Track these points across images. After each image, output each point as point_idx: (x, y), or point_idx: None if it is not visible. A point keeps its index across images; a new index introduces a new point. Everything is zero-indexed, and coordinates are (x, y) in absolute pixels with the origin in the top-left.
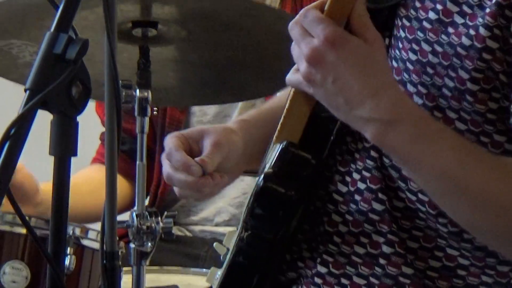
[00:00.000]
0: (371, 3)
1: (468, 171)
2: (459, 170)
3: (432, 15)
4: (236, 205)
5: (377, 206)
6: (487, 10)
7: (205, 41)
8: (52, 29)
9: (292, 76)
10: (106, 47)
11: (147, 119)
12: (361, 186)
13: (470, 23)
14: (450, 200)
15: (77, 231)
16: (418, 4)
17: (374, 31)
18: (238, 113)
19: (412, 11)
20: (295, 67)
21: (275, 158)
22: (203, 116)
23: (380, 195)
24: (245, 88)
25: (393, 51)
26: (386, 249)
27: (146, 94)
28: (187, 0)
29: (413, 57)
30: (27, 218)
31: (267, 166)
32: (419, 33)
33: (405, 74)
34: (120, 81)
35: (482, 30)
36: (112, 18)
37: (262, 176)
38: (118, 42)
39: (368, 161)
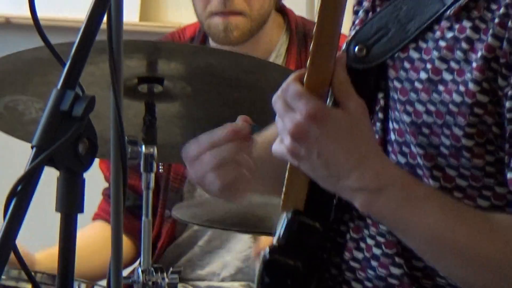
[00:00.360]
0: (358, 63)
1: (456, 231)
2: (447, 231)
3: (423, 75)
4: (242, 259)
5: (395, 270)
6: (474, 65)
7: (211, 98)
8: (59, 86)
9: (277, 147)
10: (112, 103)
11: (153, 175)
12: (377, 251)
13: (459, 79)
14: (441, 261)
15: (83, 287)
16: (407, 65)
17: (355, 99)
18: None
19: (402, 72)
20: (279, 138)
21: (283, 229)
22: None
23: (397, 259)
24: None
25: (392, 113)
26: None
27: (152, 150)
28: (193, 57)
29: (407, 119)
30: (33, 273)
31: (276, 237)
32: (412, 94)
33: (407, 135)
34: (126, 137)
35: (471, 86)
36: (118, 74)
37: (268, 249)
38: (124, 98)
39: (381, 226)
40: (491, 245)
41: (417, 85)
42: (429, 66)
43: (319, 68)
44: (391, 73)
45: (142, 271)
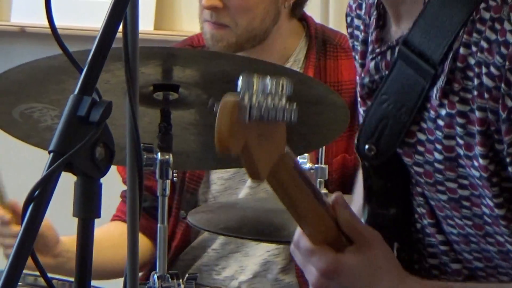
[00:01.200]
0: (372, 160)
1: None
2: None
3: (438, 156)
4: (260, 263)
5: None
6: (477, 139)
7: None
8: (76, 91)
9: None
10: (127, 110)
11: (168, 182)
12: None
13: (470, 154)
14: None
15: None
16: (421, 149)
17: (366, 232)
18: None
19: (418, 156)
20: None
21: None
22: (224, 172)
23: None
24: None
25: (427, 193)
26: None
27: (167, 157)
28: (208, 64)
29: (443, 197)
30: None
31: None
32: (437, 175)
33: (447, 211)
34: (142, 145)
35: (481, 160)
36: (134, 81)
37: None
38: (140, 106)
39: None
40: None
41: (438, 166)
42: (439, 146)
43: (314, 226)
44: (407, 160)
45: (158, 277)
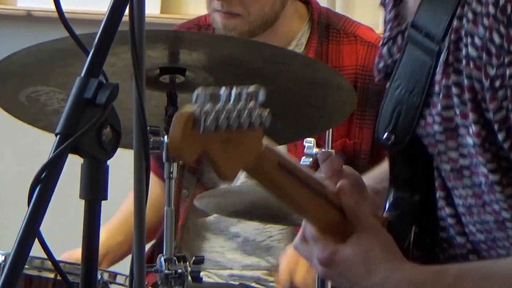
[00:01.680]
0: (393, 147)
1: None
2: None
3: (437, 128)
4: (263, 249)
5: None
6: (468, 107)
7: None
8: (83, 74)
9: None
10: (134, 93)
11: (175, 165)
12: None
13: (466, 123)
14: None
15: (105, 276)
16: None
17: (365, 221)
18: None
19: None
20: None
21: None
22: None
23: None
24: (272, 134)
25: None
26: None
27: None
28: (214, 47)
29: (447, 167)
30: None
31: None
32: (440, 146)
33: (448, 183)
34: (148, 128)
35: (474, 127)
36: (140, 64)
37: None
38: (146, 89)
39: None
40: None
41: (439, 137)
42: (438, 119)
43: (313, 215)
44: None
45: (165, 260)
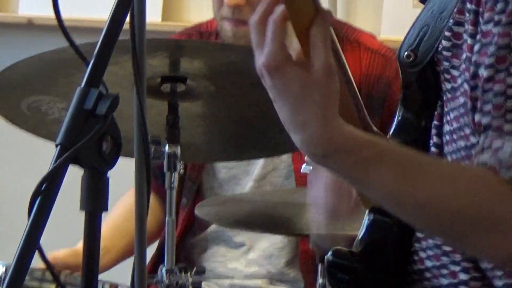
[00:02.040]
0: (411, 67)
1: (413, 183)
2: (403, 185)
3: (446, 43)
4: (265, 256)
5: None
6: (469, 18)
7: (234, 97)
8: (83, 84)
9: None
10: (135, 102)
11: (176, 175)
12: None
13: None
14: (405, 215)
15: (107, 287)
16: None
17: (322, 58)
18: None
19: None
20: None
21: (363, 229)
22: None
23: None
24: (273, 143)
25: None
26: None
27: (175, 149)
28: (216, 56)
29: (449, 86)
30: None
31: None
32: (445, 63)
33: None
34: (149, 137)
35: (469, 40)
36: (141, 73)
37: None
38: (147, 98)
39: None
40: (455, 192)
41: (446, 53)
42: (448, 34)
43: (298, 12)
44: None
45: (166, 271)
